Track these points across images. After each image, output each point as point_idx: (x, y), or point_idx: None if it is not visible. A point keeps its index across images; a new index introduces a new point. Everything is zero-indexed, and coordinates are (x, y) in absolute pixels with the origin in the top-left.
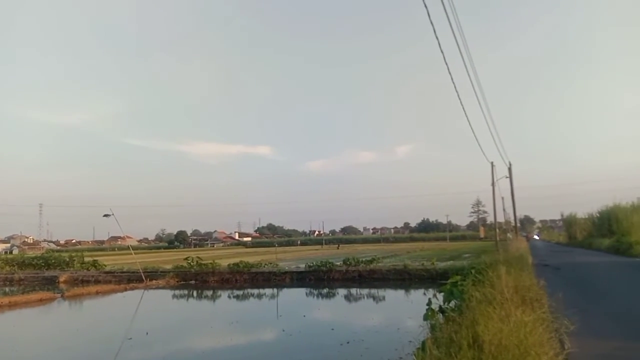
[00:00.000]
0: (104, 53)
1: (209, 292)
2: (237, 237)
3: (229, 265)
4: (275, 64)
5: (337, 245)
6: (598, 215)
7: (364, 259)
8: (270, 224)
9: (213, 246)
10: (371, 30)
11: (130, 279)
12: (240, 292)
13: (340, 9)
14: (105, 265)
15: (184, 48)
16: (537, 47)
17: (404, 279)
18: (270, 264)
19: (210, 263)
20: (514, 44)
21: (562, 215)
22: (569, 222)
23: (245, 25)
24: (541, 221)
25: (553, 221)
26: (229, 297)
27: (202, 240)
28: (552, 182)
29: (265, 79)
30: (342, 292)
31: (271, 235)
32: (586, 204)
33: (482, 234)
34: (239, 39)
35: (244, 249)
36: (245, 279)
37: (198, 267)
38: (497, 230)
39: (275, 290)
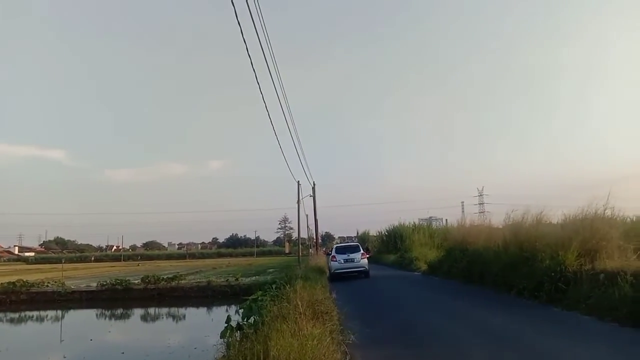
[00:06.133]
0: None
1: None
2: (16, 252)
3: (2, 284)
4: (84, 59)
5: (137, 262)
6: (386, 233)
7: (165, 276)
8: (59, 238)
9: None
10: (187, 39)
11: None
12: (15, 315)
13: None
14: None
15: None
16: (344, 74)
17: (207, 295)
18: (56, 282)
19: None
20: (317, 70)
21: (357, 232)
22: (363, 239)
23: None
24: (339, 237)
25: (350, 237)
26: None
27: None
28: (351, 202)
29: (71, 71)
30: (138, 312)
31: (60, 250)
32: (378, 223)
33: (287, 250)
34: (47, 30)
35: (25, 266)
36: (23, 300)
37: None
38: (300, 245)
39: (60, 312)
